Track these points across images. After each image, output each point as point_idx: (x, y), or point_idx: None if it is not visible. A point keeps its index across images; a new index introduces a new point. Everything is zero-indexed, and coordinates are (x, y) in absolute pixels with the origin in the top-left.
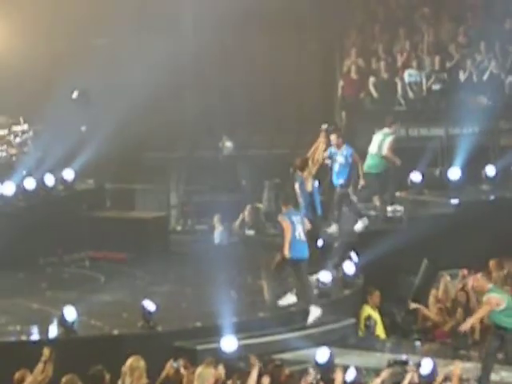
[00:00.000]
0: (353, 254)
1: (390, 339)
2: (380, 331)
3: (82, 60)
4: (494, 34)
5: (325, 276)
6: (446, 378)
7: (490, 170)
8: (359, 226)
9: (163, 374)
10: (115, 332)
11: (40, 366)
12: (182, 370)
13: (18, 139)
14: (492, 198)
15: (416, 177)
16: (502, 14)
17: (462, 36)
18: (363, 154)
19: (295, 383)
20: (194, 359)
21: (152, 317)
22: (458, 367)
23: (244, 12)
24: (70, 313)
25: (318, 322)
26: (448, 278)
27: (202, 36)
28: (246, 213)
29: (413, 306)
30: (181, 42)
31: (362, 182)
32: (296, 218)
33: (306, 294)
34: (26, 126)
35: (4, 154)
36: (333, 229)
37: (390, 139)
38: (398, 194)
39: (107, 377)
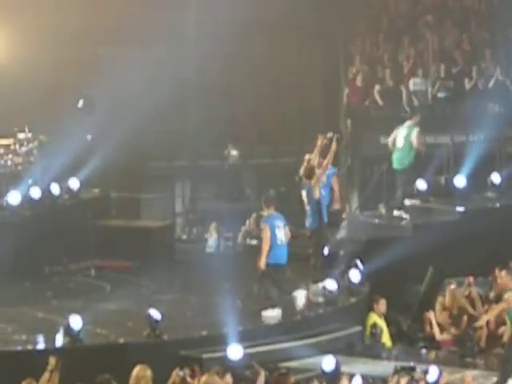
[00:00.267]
0: (358, 262)
1: (396, 347)
2: (386, 339)
3: (87, 70)
4: (498, 41)
5: (331, 284)
6: None
7: (496, 178)
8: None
9: (169, 383)
10: (121, 341)
11: (46, 375)
12: (188, 379)
13: (23, 148)
14: (498, 205)
15: (422, 185)
16: (506, 21)
17: (466, 43)
18: (367, 162)
19: None
20: (200, 368)
21: (158, 325)
22: (470, 375)
23: (247, 22)
24: (76, 321)
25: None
26: (454, 285)
27: (205, 46)
28: (251, 221)
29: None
30: (184, 52)
31: (336, 206)
32: (278, 223)
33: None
34: (31, 135)
35: (9, 163)
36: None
37: (416, 131)
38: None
39: None
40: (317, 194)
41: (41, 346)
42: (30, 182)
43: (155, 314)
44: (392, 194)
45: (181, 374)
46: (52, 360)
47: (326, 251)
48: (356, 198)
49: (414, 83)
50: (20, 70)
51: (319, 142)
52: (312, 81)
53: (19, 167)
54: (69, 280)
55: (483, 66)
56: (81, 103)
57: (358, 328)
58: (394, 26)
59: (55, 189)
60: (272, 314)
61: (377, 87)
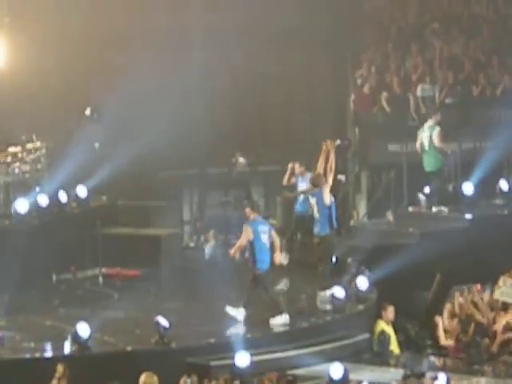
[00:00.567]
0: (365, 270)
1: (404, 354)
2: (394, 346)
3: (95, 77)
4: (505, 48)
5: (338, 291)
6: None
7: (504, 185)
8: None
9: None
10: (129, 348)
11: (54, 382)
12: None
13: (30, 156)
14: (506, 212)
15: (428, 191)
16: None
17: (473, 50)
18: (375, 169)
19: None
20: (207, 375)
21: (167, 333)
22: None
23: (255, 30)
24: (84, 329)
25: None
26: (462, 292)
27: (213, 54)
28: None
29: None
30: (192, 60)
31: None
32: (262, 228)
33: (274, 302)
34: (38, 143)
35: (17, 171)
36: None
37: (437, 130)
38: (410, 209)
39: None
40: (327, 200)
41: (49, 353)
42: (37, 189)
43: (163, 321)
44: (399, 202)
45: (188, 381)
46: (60, 368)
47: (334, 258)
48: (363, 205)
49: (422, 89)
50: (27, 77)
51: (324, 148)
52: (321, 89)
53: (27, 175)
54: (76, 288)
55: (490, 73)
56: (88, 111)
57: (366, 335)
58: (403, 35)
59: (63, 197)
60: (280, 321)
61: (384, 94)
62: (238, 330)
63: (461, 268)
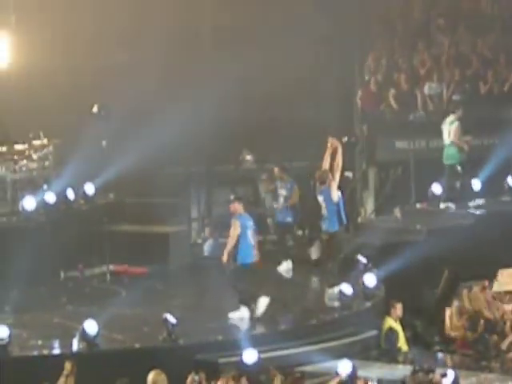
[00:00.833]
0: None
1: (412, 351)
2: (402, 343)
3: (103, 75)
4: None
5: (346, 288)
6: None
7: None
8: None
9: None
10: (137, 345)
11: (62, 379)
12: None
13: (38, 154)
14: None
15: (437, 188)
16: None
17: (481, 47)
18: (383, 166)
19: None
20: (215, 372)
21: (175, 330)
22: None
23: (260, 28)
24: (92, 327)
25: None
26: (470, 289)
27: (219, 53)
28: None
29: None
30: (199, 58)
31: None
32: (249, 224)
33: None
34: (46, 141)
35: (24, 168)
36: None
37: (455, 125)
38: (418, 205)
39: None
40: (335, 197)
41: (56, 351)
42: (45, 187)
43: (171, 318)
44: (407, 199)
45: (196, 378)
46: (68, 365)
47: (341, 255)
48: (371, 202)
49: (429, 87)
50: (34, 75)
51: (329, 145)
52: (328, 86)
53: (34, 173)
54: (84, 285)
55: (498, 70)
56: (95, 109)
57: (374, 332)
58: (409, 31)
59: (70, 194)
60: (238, 315)
61: (392, 91)
62: (245, 327)
63: (468, 264)
